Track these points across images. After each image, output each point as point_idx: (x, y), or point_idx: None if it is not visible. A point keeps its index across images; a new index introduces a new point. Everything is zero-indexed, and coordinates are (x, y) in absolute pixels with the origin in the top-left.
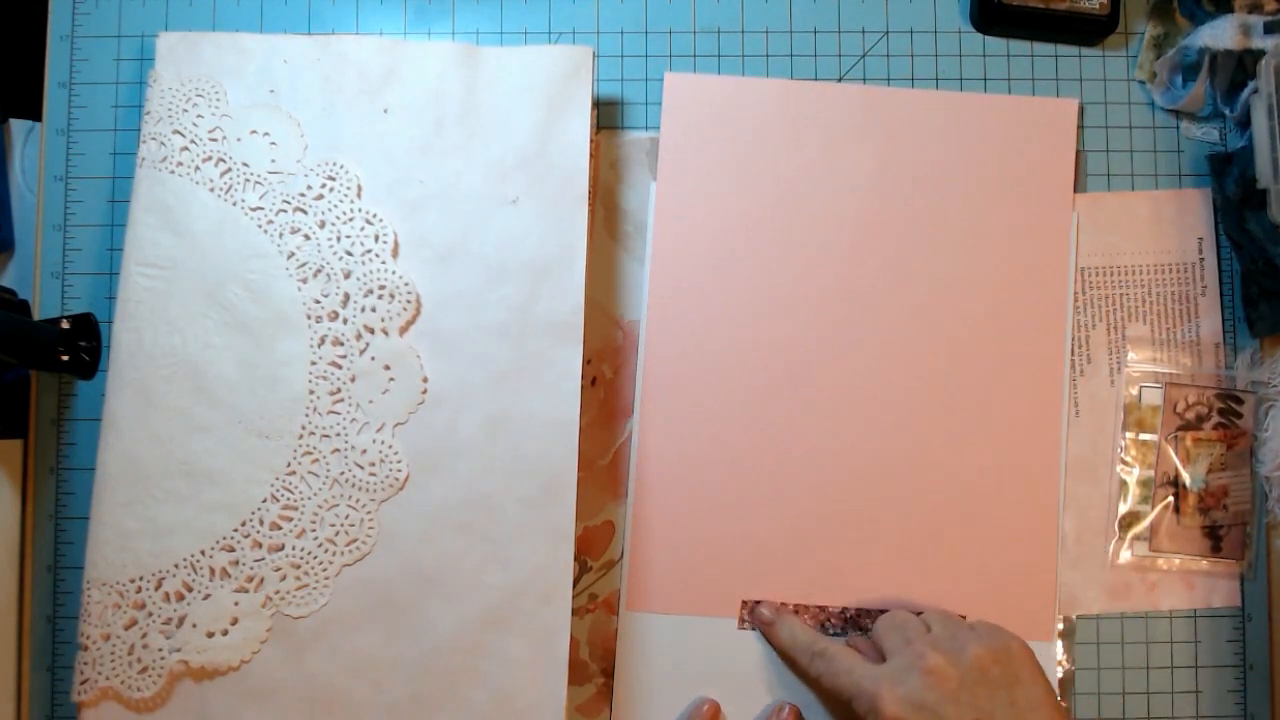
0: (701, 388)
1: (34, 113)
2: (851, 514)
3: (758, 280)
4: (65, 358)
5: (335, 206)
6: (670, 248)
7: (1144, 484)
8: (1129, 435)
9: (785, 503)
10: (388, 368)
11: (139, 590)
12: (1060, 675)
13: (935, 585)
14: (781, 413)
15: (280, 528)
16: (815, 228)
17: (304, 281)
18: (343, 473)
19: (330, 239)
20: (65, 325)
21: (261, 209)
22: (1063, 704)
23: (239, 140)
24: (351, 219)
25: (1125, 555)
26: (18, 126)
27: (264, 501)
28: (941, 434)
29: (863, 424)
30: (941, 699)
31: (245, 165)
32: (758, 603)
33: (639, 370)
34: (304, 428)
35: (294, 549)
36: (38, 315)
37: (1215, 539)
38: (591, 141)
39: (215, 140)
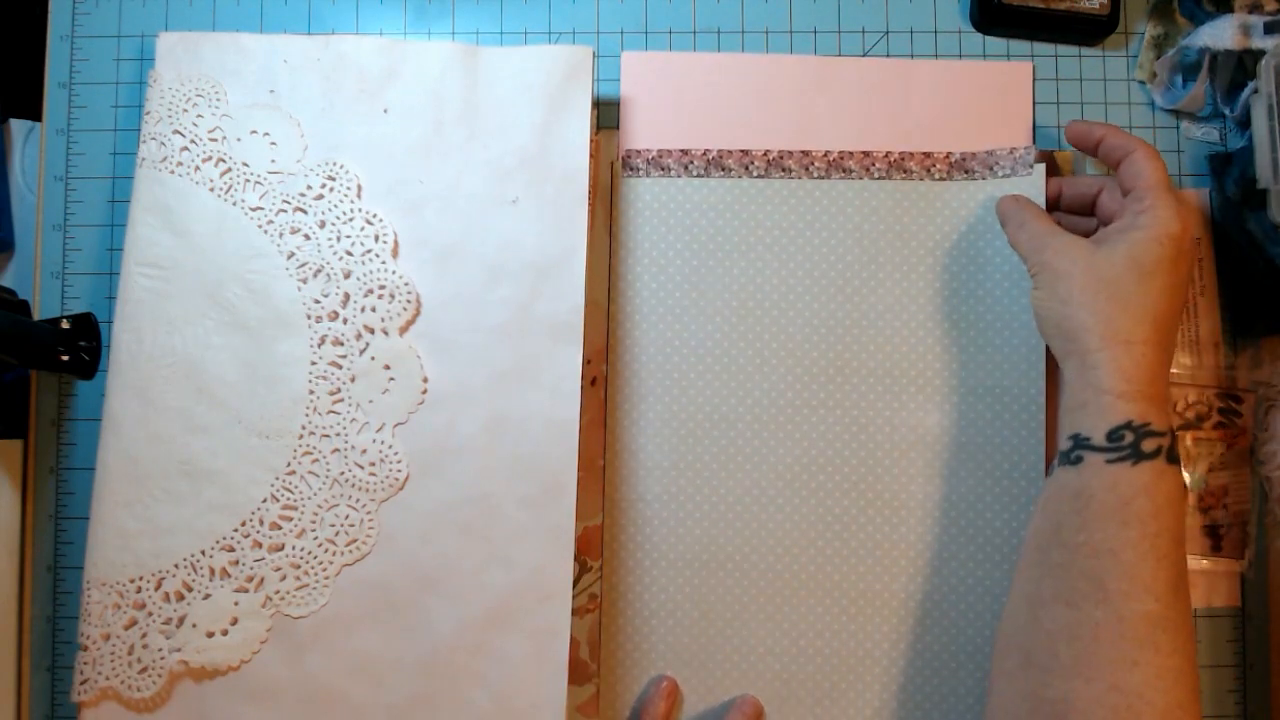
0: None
1: (34, 113)
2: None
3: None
4: (65, 358)
5: (335, 206)
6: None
7: None
8: None
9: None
10: (388, 368)
11: (139, 590)
12: None
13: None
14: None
15: (280, 528)
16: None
17: (304, 281)
18: (343, 473)
19: (330, 239)
20: (65, 325)
21: (261, 209)
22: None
23: (239, 140)
24: (351, 219)
25: None
26: (18, 126)
27: (264, 501)
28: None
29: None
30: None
31: (245, 165)
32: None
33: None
34: (304, 428)
35: (294, 549)
36: (38, 315)
37: (1215, 538)
38: (591, 141)
39: (215, 140)
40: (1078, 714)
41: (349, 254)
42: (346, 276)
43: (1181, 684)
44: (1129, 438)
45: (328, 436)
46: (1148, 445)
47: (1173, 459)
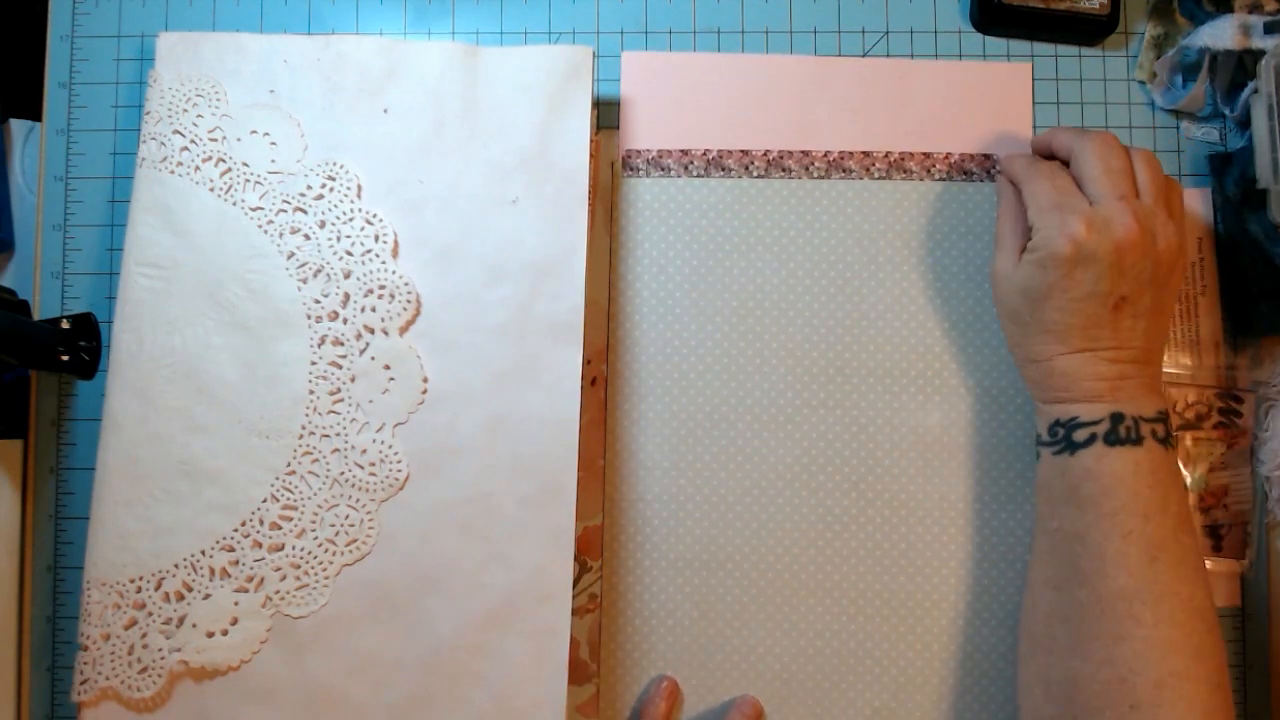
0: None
1: (34, 113)
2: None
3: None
4: (65, 358)
5: (335, 206)
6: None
7: None
8: None
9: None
10: (388, 368)
11: (139, 590)
12: None
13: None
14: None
15: (280, 528)
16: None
17: (304, 281)
18: (343, 473)
19: (330, 239)
20: (65, 325)
21: (261, 209)
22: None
23: (239, 140)
24: (351, 219)
25: None
26: (18, 126)
27: (264, 501)
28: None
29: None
30: (1115, 266)
31: (245, 165)
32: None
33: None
34: (304, 428)
35: (294, 549)
36: (38, 315)
37: (1215, 538)
38: (591, 141)
39: (215, 140)
40: (1079, 691)
41: (349, 254)
42: (346, 276)
43: (1176, 653)
44: (1060, 432)
45: (328, 436)
46: (1078, 435)
47: (1114, 440)
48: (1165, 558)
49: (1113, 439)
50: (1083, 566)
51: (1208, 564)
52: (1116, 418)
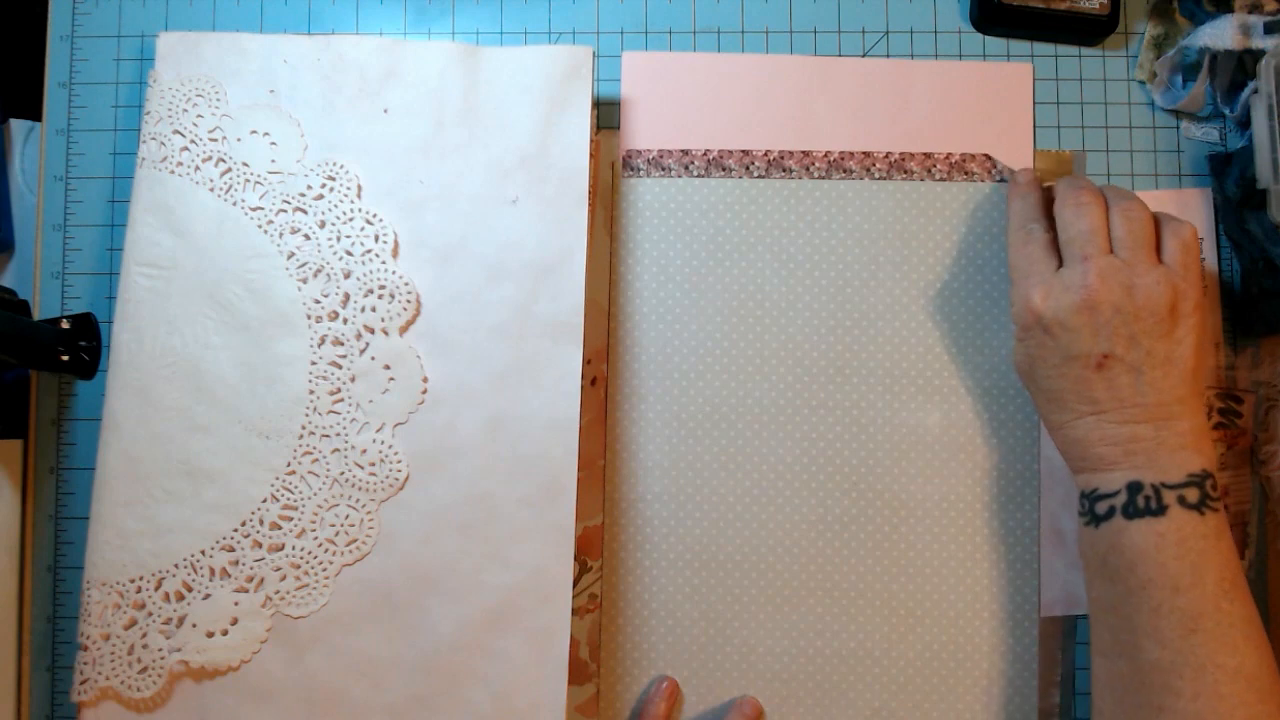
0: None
1: (34, 113)
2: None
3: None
4: (65, 358)
5: (335, 206)
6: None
7: None
8: None
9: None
10: (388, 368)
11: (139, 590)
12: (1059, 675)
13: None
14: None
15: (280, 528)
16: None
17: (304, 281)
18: (343, 473)
19: (330, 239)
20: (65, 325)
21: (261, 209)
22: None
23: (239, 140)
24: (351, 219)
25: None
26: (18, 126)
27: (264, 501)
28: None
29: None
30: (1086, 326)
31: (245, 165)
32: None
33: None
34: (304, 428)
35: (294, 549)
36: (38, 315)
37: None
38: (591, 141)
39: (215, 140)
40: None
41: (349, 254)
42: (346, 276)
43: None
44: (1085, 505)
45: (328, 436)
46: (1099, 508)
47: (1133, 513)
48: (1206, 627)
49: (1131, 511)
50: (1119, 638)
51: None
52: (1134, 487)
